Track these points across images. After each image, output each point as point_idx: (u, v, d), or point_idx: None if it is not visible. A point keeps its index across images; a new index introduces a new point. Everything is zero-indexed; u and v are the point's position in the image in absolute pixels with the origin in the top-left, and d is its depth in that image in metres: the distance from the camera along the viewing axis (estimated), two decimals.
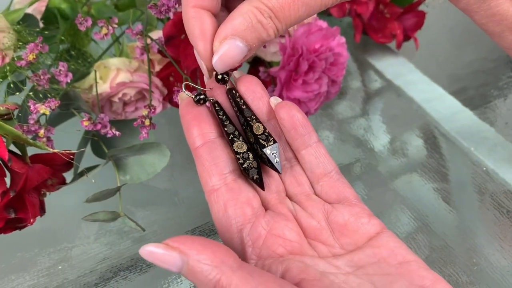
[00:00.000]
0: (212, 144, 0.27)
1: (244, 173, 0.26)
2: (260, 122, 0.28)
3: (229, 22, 0.25)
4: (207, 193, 0.26)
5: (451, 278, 0.40)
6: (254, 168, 0.26)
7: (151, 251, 0.20)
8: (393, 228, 0.44)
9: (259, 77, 0.44)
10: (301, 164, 0.29)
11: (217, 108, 0.28)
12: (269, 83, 0.46)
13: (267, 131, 0.27)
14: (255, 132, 0.27)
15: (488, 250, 0.42)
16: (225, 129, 0.28)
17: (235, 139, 0.27)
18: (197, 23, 0.26)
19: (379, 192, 0.48)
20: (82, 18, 0.40)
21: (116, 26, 0.40)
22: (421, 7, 0.59)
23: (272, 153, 0.27)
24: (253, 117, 0.28)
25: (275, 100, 0.29)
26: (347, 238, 0.26)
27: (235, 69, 0.30)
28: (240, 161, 0.26)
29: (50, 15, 0.48)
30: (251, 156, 0.27)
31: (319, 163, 0.28)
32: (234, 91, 0.29)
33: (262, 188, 0.26)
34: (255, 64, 0.48)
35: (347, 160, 0.50)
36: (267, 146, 0.27)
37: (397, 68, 0.60)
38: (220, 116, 0.28)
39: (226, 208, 0.25)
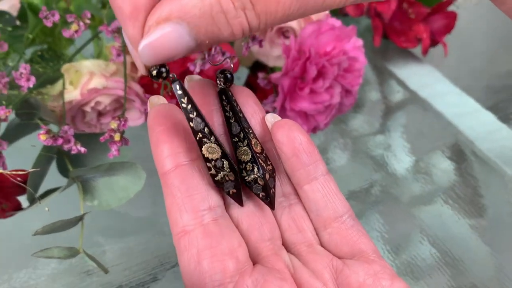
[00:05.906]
0: (188, 169, 0.21)
1: (216, 186, 0.22)
2: (258, 139, 0.23)
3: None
4: (175, 236, 0.21)
5: None
6: (230, 181, 0.21)
7: None
8: (416, 267, 0.39)
9: (257, 85, 0.39)
10: (304, 202, 0.24)
11: (179, 92, 0.20)
12: (270, 92, 0.40)
13: (264, 152, 0.23)
14: (253, 148, 0.22)
15: None
16: (191, 123, 0.20)
17: (204, 139, 0.21)
18: None
19: (399, 224, 0.43)
20: (48, 12, 0.35)
21: (88, 22, 0.36)
22: (452, 8, 0.56)
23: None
24: (250, 130, 0.23)
25: (272, 118, 0.24)
26: None
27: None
28: (212, 172, 0.21)
29: (25, 12, 0.43)
30: (226, 165, 0.21)
31: (328, 203, 0.23)
32: (230, 93, 0.23)
33: (241, 203, 0.22)
34: (256, 70, 0.42)
35: (362, 185, 0.46)
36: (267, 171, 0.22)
37: (422, 78, 0.57)
38: (184, 105, 0.20)
39: (200, 260, 0.20)
